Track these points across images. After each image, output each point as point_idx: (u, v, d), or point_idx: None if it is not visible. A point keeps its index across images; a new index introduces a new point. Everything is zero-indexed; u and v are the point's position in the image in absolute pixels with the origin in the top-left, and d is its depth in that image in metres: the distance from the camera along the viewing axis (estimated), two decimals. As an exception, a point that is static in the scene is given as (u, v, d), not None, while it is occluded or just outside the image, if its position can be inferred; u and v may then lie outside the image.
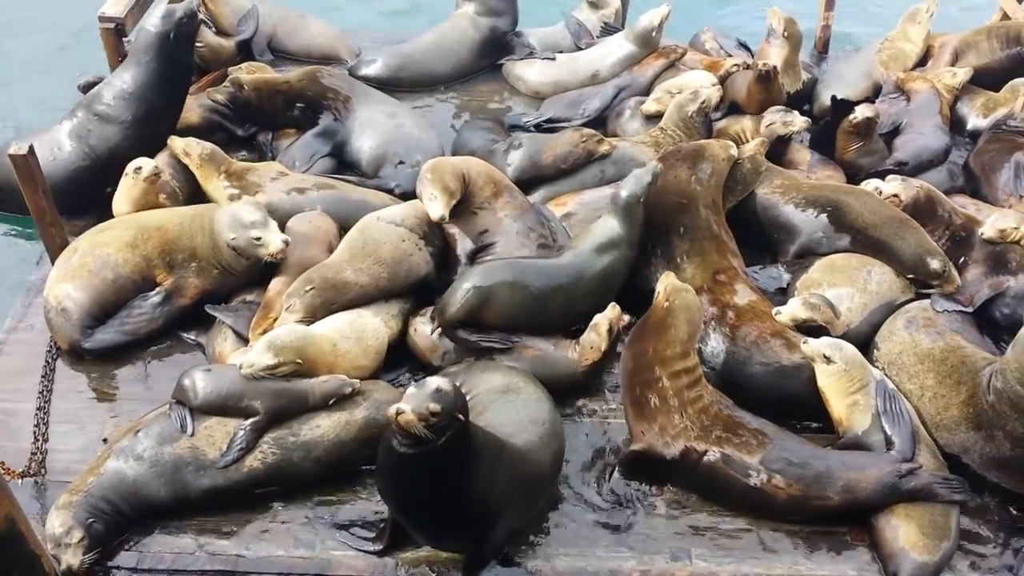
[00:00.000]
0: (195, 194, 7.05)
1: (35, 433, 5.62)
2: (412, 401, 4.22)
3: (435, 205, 6.22)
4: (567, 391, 5.95)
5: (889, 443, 5.31)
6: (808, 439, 5.51)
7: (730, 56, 8.77)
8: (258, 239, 6.07)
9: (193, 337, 6.27)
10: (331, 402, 5.37)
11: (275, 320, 5.86)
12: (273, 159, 7.64)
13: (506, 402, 5.27)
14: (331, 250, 6.34)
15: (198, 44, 8.28)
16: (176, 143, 7.07)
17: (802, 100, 8.58)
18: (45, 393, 5.89)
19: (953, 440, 5.53)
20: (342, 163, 7.81)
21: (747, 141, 7.48)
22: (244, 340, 5.92)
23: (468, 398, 4.75)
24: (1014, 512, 5.45)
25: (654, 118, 7.91)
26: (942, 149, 7.73)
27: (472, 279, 5.96)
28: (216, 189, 6.92)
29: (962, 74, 8.33)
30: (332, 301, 5.90)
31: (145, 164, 6.61)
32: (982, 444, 5.42)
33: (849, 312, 6.15)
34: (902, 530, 5.07)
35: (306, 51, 9.18)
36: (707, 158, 6.78)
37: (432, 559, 5.07)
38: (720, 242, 6.53)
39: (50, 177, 6.60)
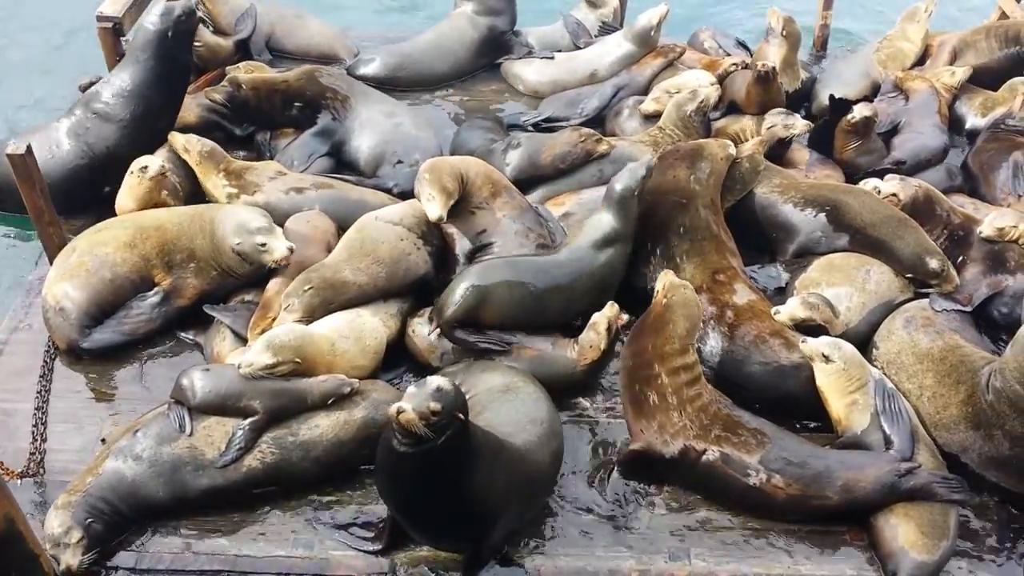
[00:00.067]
0: (196, 192, 7.06)
1: (33, 433, 5.62)
2: (413, 400, 4.22)
3: (433, 206, 6.22)
4: (566, 390, 5.95)
5: (888, 442, 5.32)
6: (807, 438, 5.52)
7: (728, 55, 8.79)
8: (263, 245, 6.07)
9: (191, 337, 6.26)
10: (330, 402, 5.37)
11: (273, 320, 5.85)
12: (271, 158, 7.63)
13: (505, 402, 5.27)
14: (329, 250, 6.34)
15: (196, 43, 8.27)
16: (176, 139, 7.07)
17: (801, 99, 8.59)
18: (43, 393, 5.89)
19: (952, 439, 5.53)
20: (340, 162, 7.81)
21: (747, 141, 7.49)
22: (242, 340, 5.92)
23: (467, 398, 4.74)
24: (1013, 511, 5.45)
25: (652, 117, 7.92)
26: (940, 148, 7.74)
27: (470, 279, 5.96)
28: (215, 187, 6.92)
29: (961, 73, 8.34)
30: (330, 301, 5.90)
31: (151, 163, 6.61)
32: (981, 443, 5.42)
33: (848, 311, 6.15)
34: (901, 529, 5.07)
35: (304, 50, 9.18)
36: (706, 157, 6.79)
37: (431, 559, 5.07)
38: (719, 242, 6.53)
39: (48, 176, 6.60)
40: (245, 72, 8.05)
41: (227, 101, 7.84)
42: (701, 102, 7.61)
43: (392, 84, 8.81)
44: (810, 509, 5.23)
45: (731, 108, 8.20)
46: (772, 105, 7.85)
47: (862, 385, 5.51)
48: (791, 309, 5.99)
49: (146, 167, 6.59)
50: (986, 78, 8.47)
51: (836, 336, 5.84)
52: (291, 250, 6.05)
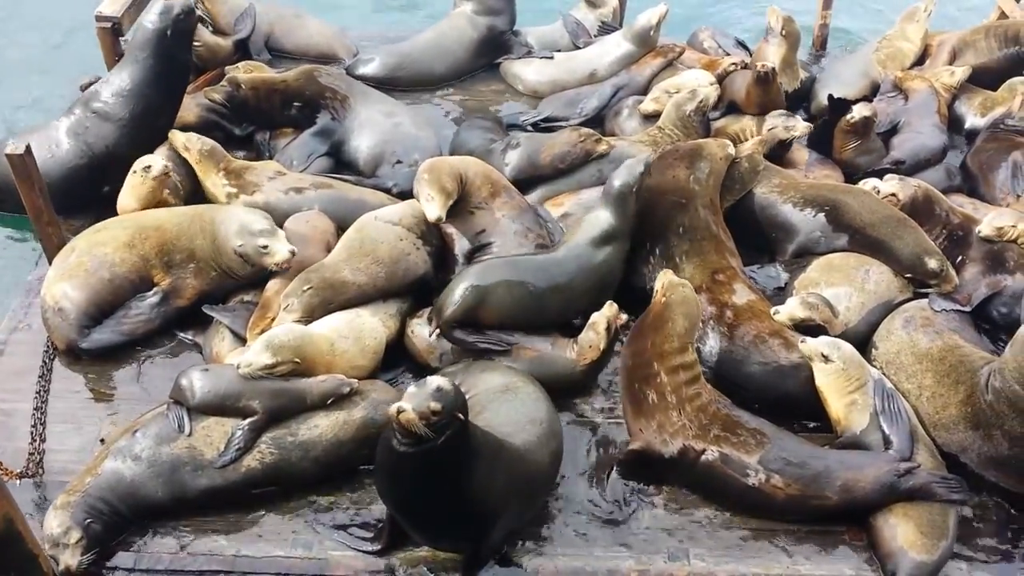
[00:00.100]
0: (196, 191, 7.06)
1: (32, 433, 5.62)
2: (413, 400, 4.22)
3: (432, 206, 6.22)
4: (566, 391, 5.94)
5: (887, 442, 5.32)
6: (806, 438, 5.52)
7: (728, 55, 8.78)
8: (265, 247, 6.06)
9: (190, 337, 6.26)
10: (329, 402, 5.37)
11: (273, 320, 5.85)
12: (270, 158, 7.63)
13: (504, 402, 5.26)
14: (329, 249, 6.33)
15: (195, 43, 8.27)
16: (177, 137, 7.07)
17: (800, 99, 8.59)
18: (42, 393, 5.88)
19: (951, 439, 5.53)
20: (339, 162, 7.81)
21: (747, 141, 7.49)
22: (242, 340, 5.92)
23: (467, 398, 4.74)
24: (1012, 511, 5.45)
25: (652, 117, 7.92)
26: (940, 148, 7.74)
27: (469, 279, 5.96)
28: (214, 185, 6.92)
29: (960, 73, 8.34)
30: (330, 301, 5.89)
31: (155, 162, 6.62)
32: (980, 443, 5.42)
33: (847, 311, 6.15)
34: (900, 529, 5.07)
35: (303, 50, 9.17)
36: (705, 157, 6.79)
37: (430, 559, 5.07)
38: (719, 242, 6.53)
39: (47, 175, 6.61)
40: (244, 72, 8.04)
41: (226, 101, 7.83)
42: (700, 102, 7.61)
43: (391, 84, 8.81)
44: (809, 509, 5.23)
45: (731, 108, 8.20)
46: (772, 105, 7.85)
47: (861, 385, 5.52)
48: (790, 309, 5.99)
49: (149, 166, 6.59)
50: (985, 78, 8.47)
51: (835, 336, 5.84)
52: (292, 253, 6.04)
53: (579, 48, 9.15)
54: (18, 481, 5.33)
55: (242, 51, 8.82)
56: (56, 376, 6.04)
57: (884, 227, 6.52)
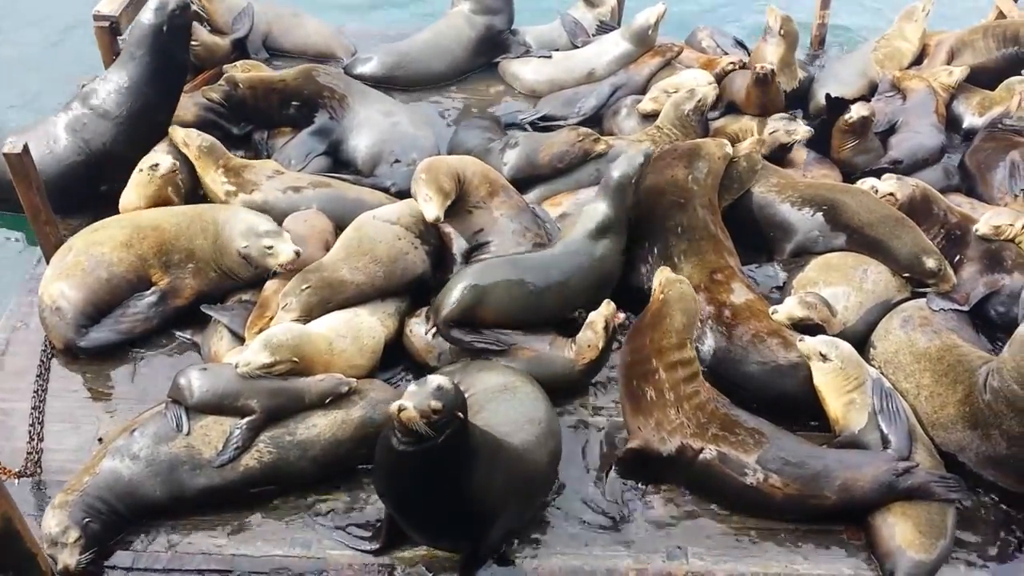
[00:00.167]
0: (196, 188, 7.05)
1: (30, 432, 5.62)
2: (414, 398, 4.22)
3: (430, 206, 6.22)
4: (564, 390, 5.95)
5: (885, 442, 5.32)
6: (804, 437, 5.51)
7: (726, 54, 8.78)
8: (270, 248, 6.05)
9: (188, 336, 6.25)
10: (327, 401, 5.36)
11: (271, 319, 5.85)
12: (268, 157, 7.62)
13: (503, 401, 5.27)
14: (327, 249, 6.32)
15: (193, 43, 8.26)
16: (176, 133, 7.06)
17: (798, 98, 8.59)
18: (40, 392, 5.87)
19: (949, 439, 5.53)
20: (338, 161, 7.80)
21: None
22: (240, 339, 5.91)
23: (465, 397, 4.74)
24: (1010, 510, 5.46)
25: (650, 117, 7.92)
26: (938, 148, 7.75)
27: (467, 279, 5.97)
28: (213, 182, 6.91)
29: (958, 73, 8.34)
30: (328, 300, 5.89)
31: (162, 161, 6.62)
32: (978, 443, 5.43)
33: (845, 311, 6.16)
34: (899, 528, 5.08)
35: (301, 49, 9.16)
36: (703, 157, 6.80)
37: (429, 558, 5.07)
38: (717, 241, 6.53)
39: (45, 172, 6.59)
40: (242, 71, 8.03)
41: (224, 100, 7.82)
42: (699, 101, 7.61)
43: (389, 83, 8.79)
44: (808, 508, 5.23)
45: (730, 108, 8.20)
46: (772, 106, 7.87)
47: (860, 384, 5.52)
48: (789, 308, 6.00)
49: (157, 165, 6.60)
50: (983, 77, 8.48)
51: (833, 335, 5.84)
52: (297, 254, 6.03)
53: (577, 47, 9.15)
54: (16, 480, 5.33)
55: (240, 50, 8.80)
56: (54, 375, 6.03)
57: (882, 226, 6.53)
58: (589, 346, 5.89)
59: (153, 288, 6.24)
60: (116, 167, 6.88)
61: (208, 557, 5.05)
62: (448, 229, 6.55)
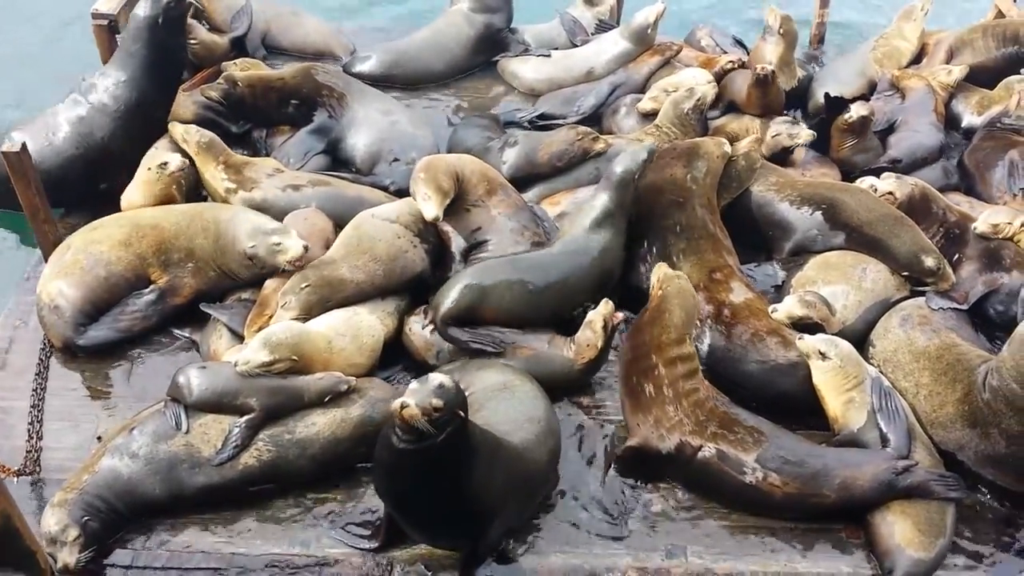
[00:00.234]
0: (196, 184, 7.04)
1: (29, 431, 5.61)
2: (415, 396, 4.22)
3: (429, 205, 6.22)
4: (564, 389, 5.95)
5: (885, 440, 5.32)
6: (804, 436, 5.50)
7: (725, 53, 8.77)
8: (278, 244, 6.04)
9: (187, 334, 6.25)
10: (327, 399, 5.36)
11: (271, 317, 5.84)
12: (267, 156, 7.61)
13: (502, 400, 5.27)
14: (327, 247, 6.32)
15: (192, 41, 8.27)
16: (176, 129, 7.07)
17: (797, 97, 8.58)
18: (39, 391, 5.87)
19: (948, 437, 5.53)
20: (336, 160, 7.79)
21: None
22: (239, 338, 5.90)
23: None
24: (1009, 509, 5.46)
25: (650, 116, 7.92)
26: (936, 147, 7.74)
27: (467, 278, 5.98)
28: (213, 179, 6.90)
29: (957, 72, 8.34)
30: (328, 298, 5.89)
31: (171, 159, 6.64)
32: (977, 441, 5.43)
33: (844, 309, 6.16)
34: (898, 527, 5.08)
35: (300, 48, 9.15)
36: (702, 156, 6.80)
37: (428, 557, 5.07)
38: (716, 240, 6.53)
39: (44, 164, 6.59)
40: (241, 69, 8.03)
41: (223, 98, 7.81)
42: (698, 100, 7.61)
43: (388, 82, 8.79)
44: (807, 507, 5.24)
45: (730, 107, 8.20)
46: (772, 106, 7.87)
47: (859, 383, 5.52)
48: (788, 307, 6.00)
49: (166, 163, 6.60)
50: (982, 77, 8.48)
51: (833, 334, 5.84)
52: (306, 248, 6.03)
53: (576, 46, 9.14)
54: (15, 479, 5.33)
55: (238, 49, 8.78)
56: (53, 374, 6.02)
57: (881, 225, 6.53)
58: (588, 345, 5.89)
59: (152, 286, 6.24)
60: (115, 163, 6.88)
61: (207, 555, 5.05)
62: (447, 228, 6.55)
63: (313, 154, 7.67)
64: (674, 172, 6.71)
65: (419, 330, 6.06)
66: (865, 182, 6.97)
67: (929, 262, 6.37)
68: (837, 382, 5.56)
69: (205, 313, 6.15)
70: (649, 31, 8.66)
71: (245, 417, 5.22)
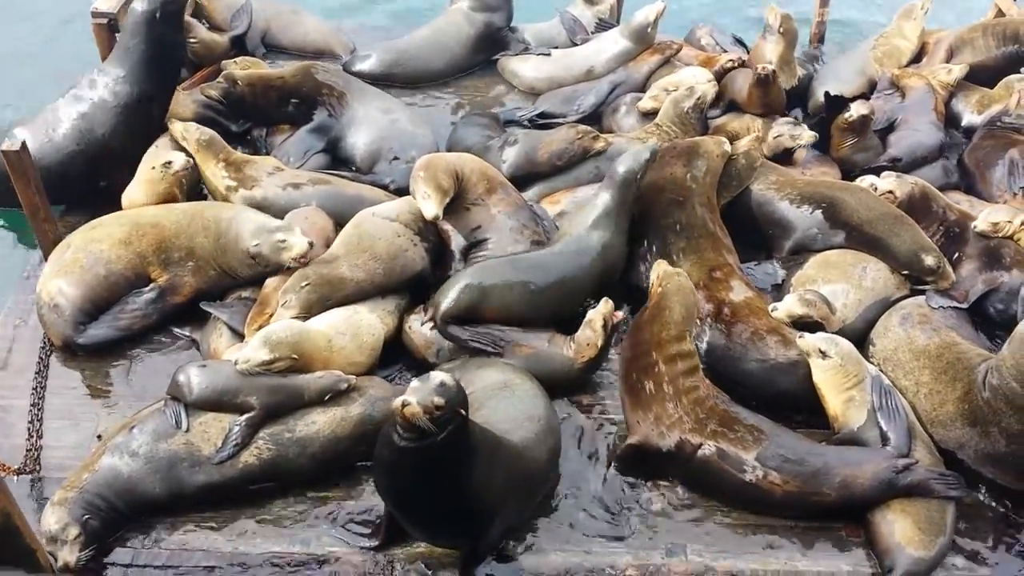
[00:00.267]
0: (196, 182, 7.05)
1: (29, 430, 5.61)
2: (417, 394, 4.22)
3: (428, 204, 6.22)
4: (564, 388, 5.94)
5: (885, 439, 5.32)
6: (804, 435, 5.50)
7: (725, 52, 8.77)
8: (283, 241, 6.04)
9: (187, 333, 6.25)
10: (327, 398, 5.36)
11: (271, 316, 5.84)
12: (267, 154, 7.61)
13: (502, 399, 5.27)
14: (327, 246, 6.32)
15: (192, 40, 8.27)
16: (175, 127, 7.07)
17: (797, 96, 8.58)
18: (39, 389, 5.87)
19: (948, 436, 5.53)
20: (336, 159, 7.79)
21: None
22: (240, 336, 5.90)
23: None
24: (1009, 508, 5.46)
25: (650, 115, 7.91)
26: (936, 145, 7.74)
27: (467, 277, 5.98)
28: (214, 176, 6.91)
29: (957, 71, 8.34)
30: (328, 297, 5.89)
31: (176, 158, 6.64)
32: (977, 440, 5.43)
33: (844, 308, 6.16)
34: (898, 525, 5.08)
35: (300, 46, 9.16)
36: (702, 155, 6.80)
37: (429, 555, 5.07)
38: (716, 239, 6.53)
39: (44, 161, 6.60)
40: (241, 68, 8.03)
41: (223, 97, 7.82)
42: (698, 99, 7.61)
43: (388, 80, 8.78)
44: (808, 505, 5.24)
45: (731, 106, 8.19)
46: (774, 105, 7.88)
47: (859, 381, 5.52)
48: (788, 306, 6.00)
49: (170, 162, 6.60)
50: (983, 75, 8.48)
51: (833, 333, 5.84)
52: (311, 245, 6.03)
53: (576, 45, 9.14)
54: (15, 477, 5.32)
55: (238, 47, 8.79)
56: (53, 372, 6.02)
57: (881, 224, 6.53)
58: (588, 344, 5.89)
59: (152, 285, 6.24)
60: (115, 159, 6.88)
61: (207, 554, 5.05)
62: (446, 226, 6.55)
63: (313, 153, 7.67)
64: (674, 171, 6.71)
65: (419, 328, 6.06)
66: (865, 181, 6.97)
67: (929, 261, 6.37)
68: (837, 380, 5.56)
69: (205, 312, 6.15)
70: (649, 30, 8.67)
71: (245, 416, 5.22)
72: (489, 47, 9.19)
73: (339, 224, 6.52)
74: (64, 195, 7.02)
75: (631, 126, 7.99)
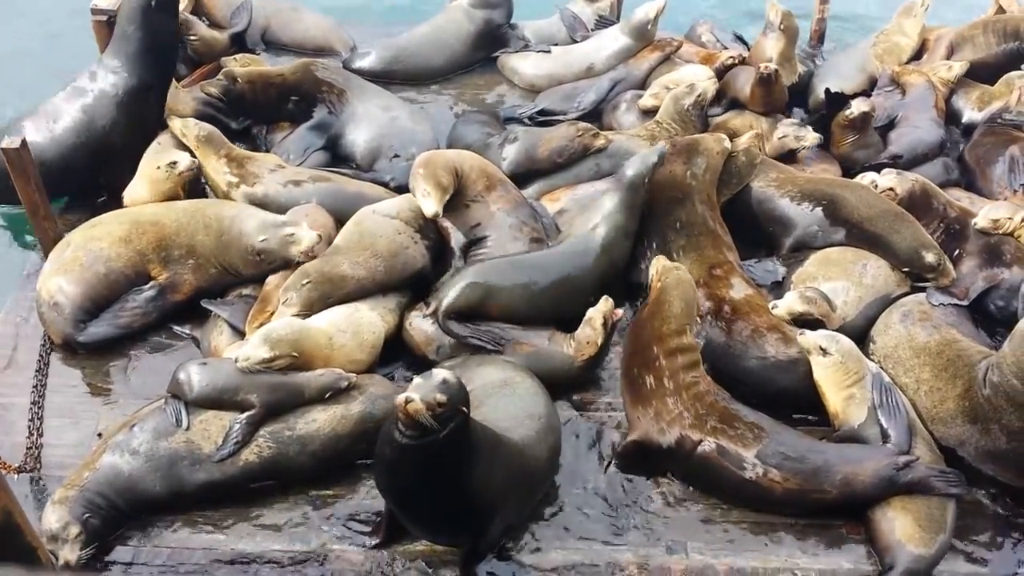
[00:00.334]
0: (197, 179, 7.03)
1: (30, 428, 5.62)
2: (420, 391, 4.23)
3: (428, 202, 6.22)
4: (564, 385, 5.94)
5: (885, 436, 5.32)
6: (804, 432, 5.50)
7: (726, 48, 8.77)
8: (291, 235, 6.05)
9: (188, 331, 6.24)
10: (327, 396, 5.36)
11: (272, 314, 5.84)
12: (267, 152, 7.61)
13: (503, 396, 5.27)
14: (328, 243, 6.31)
15: (191, 37, 8.26)
16: (174, 123, 7.07)
17: (798, 93, 8.57)
18: (39, 388, 5.87)
19: (949, 433, 5.54)
20: (336, 156, 7.79)
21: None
22: (240, 334, 5.90)
23: (465, 392, 4.75)
24: (1010, 505, 5.46)
25: (650, 112, 7.90)
26: (937, 142, 7.74)
27: (472, 275, 6.01)
28: (216, 172, 6.91)
29: (958, 68, 8.33)
30: (329, 295, 5.88)
31: (181, 159, 6.65)
32: (978, 437, 5.43)
33: (844, 306, 6.16)
34: (898, 523, 5.08)
35: (300, 43, 9.16)
36: (702, 152, 6.80)
37: (429, 553, 5.07)
38: (716, 236, 6.53)
39: (45, 155, 6.62)
40: (241, 65, 8.03)
41: (223, 95, 7.82)
42: (699, 96, 7.61)
43: (388, 78, 8.77)
44: (808, 503, 5.24)
45: (734, 103, 8.17)
46: (776, 104, 7.87)
47: (859, 379, 5.52)
48: (788, 303, 6.00)
49: (175, 163, 6.60)
50: (983, 72, 8.47)
51: (833, 331, 5.84)
52: (320, 237, 6.02)
53: (576, 42, 9.13)
54: (16, 475, 5.32)
55: (238, 44, 8.80)
56: (53, 371, 6.03)
57: (881, 221, 6.53)
58: (588, 342, 5.89)
59: (152, 283, 6.23)
60: (115, 154, 6.87)
61: (208, 552, 5.05)
62: (446, 223, 6.55)
63: (313, 150, 7.68)
64: (674, 168, 6.71)
65: (420, 324, 6.06)
66: (866, 178, 6.97)
67: (929, 258, 6.37)
68: (838, 378, 5.56)
69: (205, 310, 6.15)
70: (649, 27, 8.66)
71: (246, 413, 5.22)
72: (489, 44, 9.19)
73: (339, 222, 6.52)
74: (66, 189, 7.00)
75: (631, 123, 7.98)
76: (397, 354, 6.10)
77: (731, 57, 8.31)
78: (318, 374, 5.39)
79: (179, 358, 5.91)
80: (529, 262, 6.16)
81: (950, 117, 8.26)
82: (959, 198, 7.10)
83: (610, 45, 8.78)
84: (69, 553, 4.80)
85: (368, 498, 5.31)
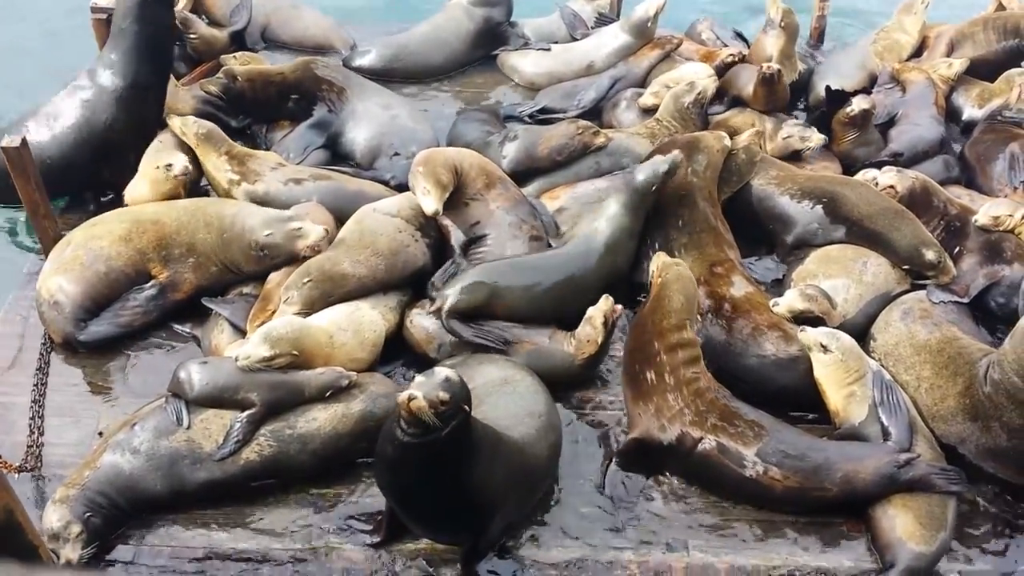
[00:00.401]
0: (198, 177, 7.07)
1: (31, 427, 5.61)
2: (422, 388, 4.23)
3: (428, 200, 6.22)
4: (564, 383, 5.94)
5: (886, 434, 5.32)
6: (805, 430, 5.50)
7: (726, 46, 8.76)
8: (298, 229, 6.07)
9: (188, 330, 6.24)
10: (328, 395, 5.35)
11: (273, 312, 5.84)
12: (267, 150, 7.60)
13: (503, 395, 5.26)
14: (328, 242, 6.31)
15: (191, 35, 8.26)
16: (174, 121, 7.06)
17: (798, 91, 8.57)
18: (40, 387, 5.87)
19: (950, 431, 5.54)
20: (336, 155, 7.78)
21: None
22: (241, 332, 5.90)
23: (465, 390, 4.75)
24: (1010, 502, 5.46)
25: (650, 110, 7.90)
26: (937, 140, 7.74)
27: (478, 275, 6.01)
28: (216, 169, 6.91)
29: (958, 65, 8.34)
30: (330, 293, 5.88)
31: (176, 161, 6.66)
32: (978, 435, 5.43)
33: (845, 303, 6.17)
34: (899, 520, 5.08)
35: (300, 41, 9.17)
36: (702, 150, 6.80)
37: (429, 551, 5.07)
38: (717, 234, 6.53)
39: (46, 152, 6.62)
40: (240, 63, 8.02)
41: (223, 93, 7.82)
42: (699, 94, 7.60)
43: (388, 76, 8.77)
44: (809, 501, 5.24)
45: (735, 101, 8.17)
46: (778, 103, 7.87)
47: (860, 376, 5.52)
48: (789, 301, 6.00)
49: (171, 165, 6.63)
50: (983, 70, 8.48)
51: (833, 328, 5.84)
52: (327, 231, 6.02)
53: (576, 40, 9.13)
54: (16, 475, 5.32)
55: (238, 42, 8.80)
56: (53, 370, 6.02)
57: (882, 219, 6.53)
58: (588, 341, 5.89)
59: (152, 282, 6.23)
60: (116, 149, 6.87)
61: (209, 551, 5.05)
62: (446, 221, 6.54)
63: (313, 149, 7.67)
64: (675, 166, 6.71)
65: (420, 322, 6.06)
66: (866, 175, 6.97)
67: (930, 255, 6.37)
68: (838, 376, 5.56)
69: (206, 308, 6.15)
70: (649, 24, 8.66)
71: (246, 412, 5.22)
72: (489, 42, 9.19)
73: (340, 220, 6.52)
74: (67, 187, 6.99)
75: (631, 121, 7.98)
76: (398, 352, 6.10)
77: (731, 55, 8.31)
78: (319, 372, 5.39)
79: (180, 357, 5.92)
80: (533, 263, 6.17)
81: (950, 114, 8.27)
82: (959, 195, 7.10)
83: (610, 43, 8.78)
84: (70, 552, 4.80)
85: (369, 496, 5.31)
